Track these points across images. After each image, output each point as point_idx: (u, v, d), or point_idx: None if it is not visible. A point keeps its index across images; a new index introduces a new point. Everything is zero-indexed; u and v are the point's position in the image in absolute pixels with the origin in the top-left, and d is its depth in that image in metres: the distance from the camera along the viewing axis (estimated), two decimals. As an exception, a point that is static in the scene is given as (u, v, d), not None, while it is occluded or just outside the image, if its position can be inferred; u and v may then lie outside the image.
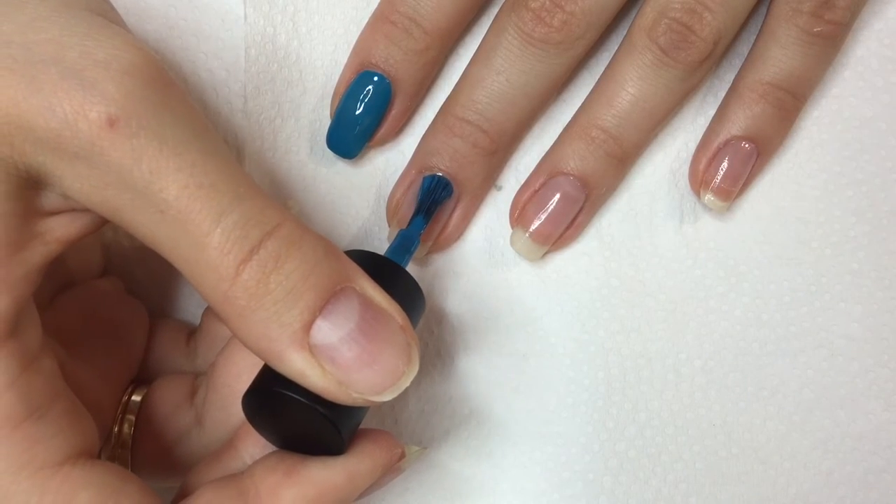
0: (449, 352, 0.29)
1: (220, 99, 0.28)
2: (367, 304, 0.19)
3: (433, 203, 0.27)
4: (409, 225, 0.26)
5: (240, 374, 0.24)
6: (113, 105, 0.18)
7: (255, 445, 0.23)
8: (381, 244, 0.29)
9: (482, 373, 0.29)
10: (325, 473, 0.21)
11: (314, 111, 0.29)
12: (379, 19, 0.27)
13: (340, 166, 0.29)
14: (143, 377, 0.26)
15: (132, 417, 0.25)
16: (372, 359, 0.19)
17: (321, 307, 0.19)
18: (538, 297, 0.29)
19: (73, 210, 0.19)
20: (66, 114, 0.17)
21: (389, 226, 0.28)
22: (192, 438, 0.25)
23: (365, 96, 0.27)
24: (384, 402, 0.20)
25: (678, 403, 0.29)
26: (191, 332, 0.27)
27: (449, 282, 0.29)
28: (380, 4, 0.28)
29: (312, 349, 0.19)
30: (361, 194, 0.29)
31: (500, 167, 0.29)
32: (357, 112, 0.27)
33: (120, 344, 0.25)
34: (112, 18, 0.20)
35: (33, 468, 0.18)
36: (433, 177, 0.27)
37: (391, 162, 0.29)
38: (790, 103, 0.28)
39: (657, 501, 0.28)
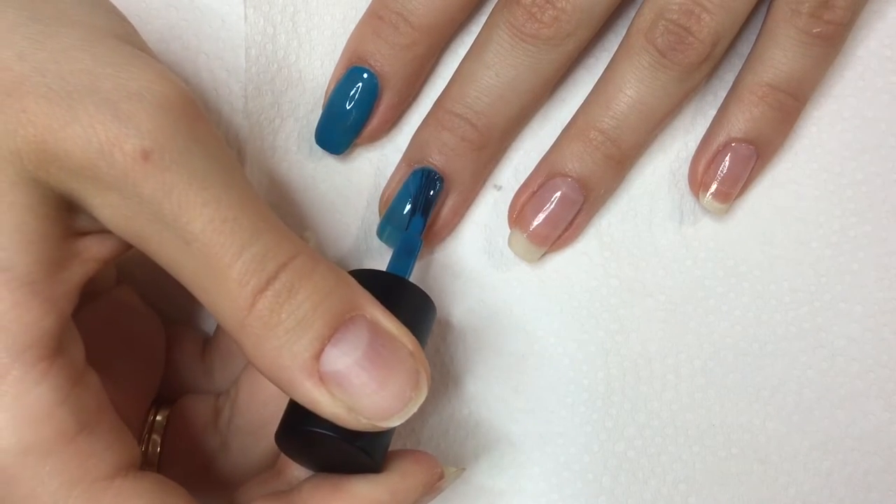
0: (448, 352, 0.29)
1: (220, 99, 0.28)
2: (375, 330, 0.20)
3: (428, 200, 0.27)
4: (408, 227, 0.27)
5: (266, 402, 0.24)
6: (147, 138, 0.18)
7: (300, 469, 0.23)
8: (380, 244, 0.29)
9: (481, 373, 0.29)
10: (370, 489, 0.21)
11: (314, 111, 0.29)
12: (369, 15, 0.28)
13: (340, 166, 0.29)
14: (163, 394, 0.26)
15: (157, 438, 0.25)
16: (379, 385, 0.19)
17: (331, 335, 0.19)
18: (537, 297, 0.29)
19: (105, 231, 0.20)
20: (102, 145, 0.18)
21: (380, 216, 0.28)
22: (219, 461, 0.25)
23: (353, 91, 0.27)
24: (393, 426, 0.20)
25: (678, 403, 0.29)
26: (205, 344, 0.27)
27: (448, 282, 0.29)
28: (372, 2, 0.28)
29: (322, 376, 0.19)
30: (361, 194, 0.29)
31: (490, 163, 0.29)
32: (345, 107, 0.27)
33: (141, 358, 0.26)
34: (138, 44, 0.20)
35: (88, 482, 0.19)
36: (422, 172, 0.27)
37: (391, 161, 0.29)
38: (790, 105, 0.28)
39: (657, 501, 0.28)
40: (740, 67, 0.29)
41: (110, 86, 0.18)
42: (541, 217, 0.28)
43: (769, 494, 0.28)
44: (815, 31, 0.27)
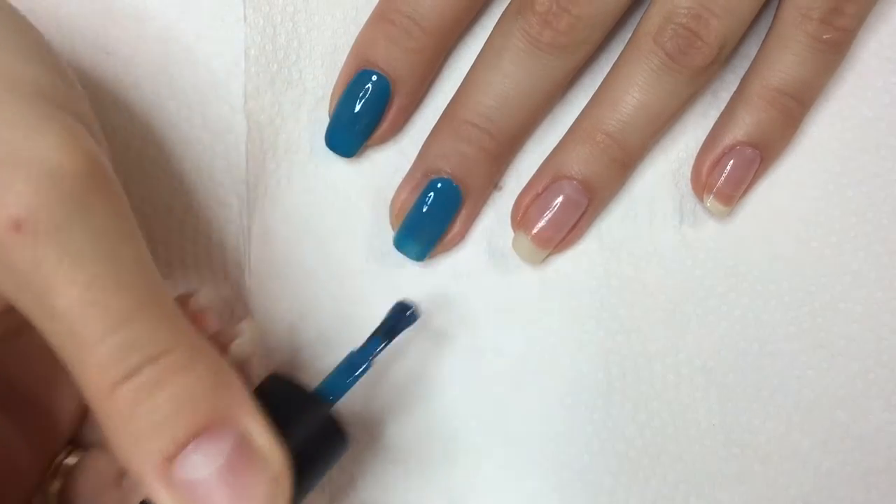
0: (448, 352, 0.29)
1: (220, 99, 0.28)
2: (241, 445, 0.18)
3: (396, 330, 0.25)
4: (362, 348, 0.24)
5: None
6: (22, 208, 0.17)
7: None
8: (380, 244, 0.29)
9: (482, 373, 0.29)
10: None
11: (314, 111, 0.29)
12: (378, 18, 0.27)
13: (340, 166, 0.29)
14: (84, 439, 0.25)
15: (58, 482, 0.24)
16: (230, 503, 0.18)
17: (188, 442, 0.18)
18: (538, 297, 0.29)
19: None
20: None
21: (393, 228, 0.28)
22: None
23: (364, 95, 0.27)
24: None
25: (678, 403, 0.29)
26: None
27: (449, 282, 0.29)
28: (379, 3, 0.28)
29: (174, 482, 0.18)
30: (361, 194, 0.29)
31: (503, 169, 0.29)
32: (356, 111, 0.27)
33: (54, 403, 0.25)
34: (62, 100, 0.19)
35: None
36: (400, 304, 0.25)
37: (391, 161, 0.29)
38: (796, 110, 0.28)
39: (657, 501, 0.28)
40: (738, 66, 0.29)
41: (2, 148, 0.18)
42: (545, 219, 0.28)
43: (769, 494, 0.28)
44: (825, 37, 0.27)
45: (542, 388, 0.29)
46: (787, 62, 0.27)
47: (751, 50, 0.29)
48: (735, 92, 0.29)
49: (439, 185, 0.27)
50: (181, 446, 0.18)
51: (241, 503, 0.18)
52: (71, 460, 0.25)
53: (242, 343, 0.23)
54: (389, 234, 0.29)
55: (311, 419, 0.22)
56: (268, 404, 0.19)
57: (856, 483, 0.29)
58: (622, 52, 0.28)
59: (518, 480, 0.28)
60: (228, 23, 0.28)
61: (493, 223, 0.29)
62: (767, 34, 0.28)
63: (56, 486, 0.24)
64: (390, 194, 0.29)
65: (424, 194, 0.27)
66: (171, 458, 0.18)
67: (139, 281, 0.18)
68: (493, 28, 0.27)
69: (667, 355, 0.29)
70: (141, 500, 0.21)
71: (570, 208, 0.28)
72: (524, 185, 0.29)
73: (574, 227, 0.28)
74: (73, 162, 0.18)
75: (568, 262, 0.29)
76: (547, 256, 0.29)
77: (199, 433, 0.18)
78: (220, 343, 0.22)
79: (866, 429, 0.29)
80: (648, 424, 0.29)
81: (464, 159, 0.27)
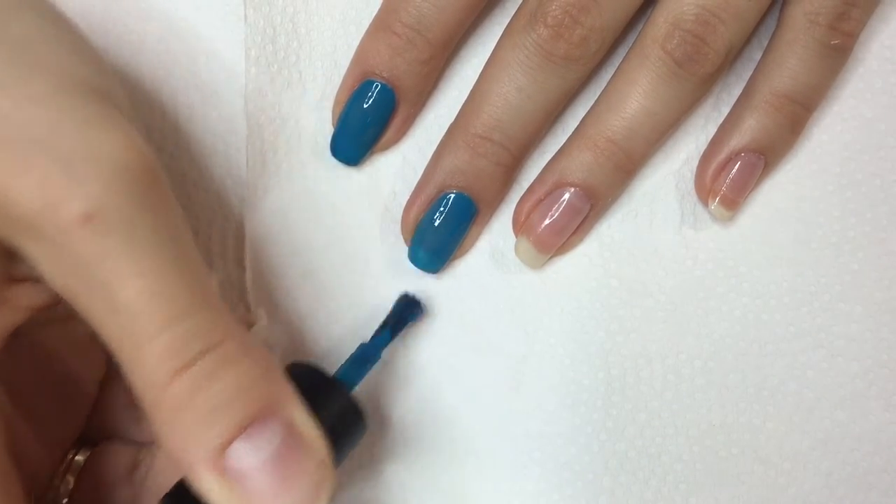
0: (449, 352, 0.29)
1: (220, 100, 0.28)
2: (289, 433, 0.19)
3: (402, 321, 0.26)
4: (372, 339, 0.26)
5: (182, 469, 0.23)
6: (93, 202, 0.18)
7: None
8: (380, 244, 0.29)
9: (482, 373, 0.29)
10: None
11: (314, 112, 0.29)
12: (380, 29, 0.27)
13: (341, 167, 0.29)
14: (92, 435, 0.25)
15: (71, 478, 0.24)
16: (280, 491, 0.19)
17: (241, 430, 0.19)
18: (538, 297, 0.29)
19: (40, 280, 0.20)
20: (48, 201, 0.18)
21: (405, 242, 0.28)
22: None
23: (369, 105, 0.27)
24: None
25: (678, 404, 0.29)
26: None
27: (449, 282, 0.29)
28: (380, 12, 0.27)
29: (225, 470, 0.18)
30: (361, 194, 0.29)
31: (514, 179, 0.29)
32: (361, 120, 0.27)
33: (68, 399, 0.25)
34: (115, 99, 0.20)
35: None
36: (406, 295, 0.26)
37: (391, 162, 0.29)
38: (802, 115, 0.28)
39: (657, 501, 0.28)
40: (739, 67, 0.29)
41: (69, 143, 0.18)
42: (547, 225, 0.28)
43: (769, 494, 0.28)
44: (833, 42, 0.27)
45: (542, 387, 0.29)
46: (794, 68, 0.27)
47: (753, 52, 0.29)
48: (741, 96, 0.29)
49: (455, 199, 0.27)
50: (234, 436, 0.18)
51: (291, 490, 0.19)
52: (81, 457, 0.25)
53: (261, 329, 0.24)
54: (389, 234, 0.29)
55: (335, 403, 0.23)
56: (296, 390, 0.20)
57: (856, 483, 0.29)
58: (626, 56, 0.27)
59: (518, 480, 0.28)
60: (228, 23, 0.28)
61: (494, 225, 0.29)
62: (773, 38, 0.28)
63: (67, 482, 0.24)
64: (391, 193, 0.29)
65: (438, 208, 0.27)
66: (223, 448, 0.18)
67: (196, 275, 0.19)
68: (501, 40, 0.27)
69: (667, 355, 0.29)
70: (162, 495, 0.21)
71: (572, 214, 0.28)
72: (526, 188, 0.29)
73: (575, 231, 0.28)
74: (136, 158, 0.19)
75: (568, 262, 0.29)
76: (548, 260, 0.29)
77: (250, 423, 0.19)
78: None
79: (866, 429, 0.29)
80: (648, 424, 0.29)
81: (481, 174, 0.27)
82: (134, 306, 0.18)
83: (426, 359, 0.29)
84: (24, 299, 0.20)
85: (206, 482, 0.19)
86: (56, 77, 0.19)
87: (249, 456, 0.19)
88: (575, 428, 0.28)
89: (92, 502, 0.24)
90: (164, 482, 0.24)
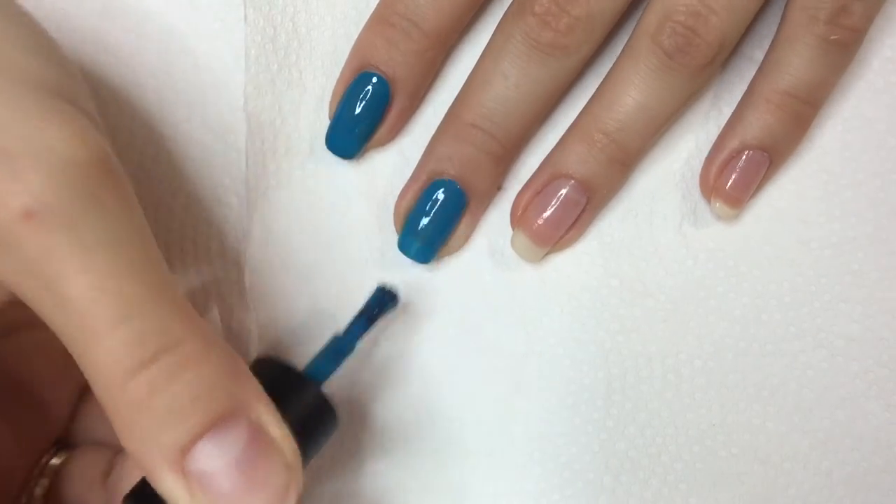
0: (449, 351, 0.29)
1: (220, 99, 0.28)
2: (256, 434, 0.19)
3: (378, 313, 0.25)
4: (345, 331, 0.25)
5: None
6: (34, 198, 0.17)
7: None
8: (380, 244, 0.29)
9: (482, 372, 0.29)
10: None
11: (314, 111, 0.29)
12: (377, 21, 0.27)
13: (340, 167, 0.29)
14: (72, 439, 0.25)
15: (46, 481, 0.24)
16: (246, 494, 0.18)
17: (205, 432, 0.18)
18: (538, 297, 0.29)
19: None
20: None
21: (396, 230, 0.28)
22: None
23: (364, 97, 0.27)
24: None
25: (678, 403, 0.29)
26: None
27: (449, 281, 0.29)
28: (378, 5, 0.28)
29: (187, 473, 0.18)
30: (361, 194, 0.29)
31: (506, 171, 0.29)
32: (356, 112, 0.27)
33: (45, 403, 0.25)
34: (71, 96, 0.20)
35: None
36: (382, 287, 0.26)
37: (391, 161, 0.29)
38: (806, 112, 0.28)
39: (657, 501, 0.28)
40: (740, 67, 0.29)
41: (15, 139, 0.18)
42: (544, 218, 0.28)
43: (769, 494, 0.28)
44: (833, 38, 0.26)
45: (542, 387, 0.29)
46: (795, 65, 0.27)
47: (754, 52, 0.29)
48: (744, 94, 0.29)
49: (444, 187, 0.27)
50: (197, 437, 0.18)
51: (257, 493, 0.18)
52: (57, 460, 0.25)
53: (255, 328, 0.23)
54: (389, 234, 0.29)
55: (303, 399, 0.22)
56: (261, 386, 0.19)
57: (856, 483, 0.29)
58: (621, 51, 0.27)
59: (518, 480, 0.28)
60: (228, 23, 0.28)
61: (493, 223, 0.29)
62: (775, 36, 0.28)
63: (42, 485, 0.24)
64: (390, 194, 0.29)
65: (429, 196, 0.27)
66: (184, 450, 0.18)
67: (150, 271, 0.18)
68: (495, 30, 0.27)
69: (667, 355, 0.29)
70: (124, 495, 0.21)
71: (569, 206, 0.28)
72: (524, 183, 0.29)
73: (573, 225, 0.28)
74: (84, 153, 0.18)
75: (568, 261, 0.29)
76: (546, 254, 0.29)
77: (214, 424, 0.18)
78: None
79: (866, 429, 0.29)
80: (648, 424, 0.29)
81: (468, 162, 0.27)
82: (80, 303, 0.17)
83: (426, 359, 0.29)
84: None
85: (166, 484, 0.18)
86: (10, 74, 0.19)
87: (214, 458, 0.18)
88: (575, 428, 0.28)
89: None
90: None
